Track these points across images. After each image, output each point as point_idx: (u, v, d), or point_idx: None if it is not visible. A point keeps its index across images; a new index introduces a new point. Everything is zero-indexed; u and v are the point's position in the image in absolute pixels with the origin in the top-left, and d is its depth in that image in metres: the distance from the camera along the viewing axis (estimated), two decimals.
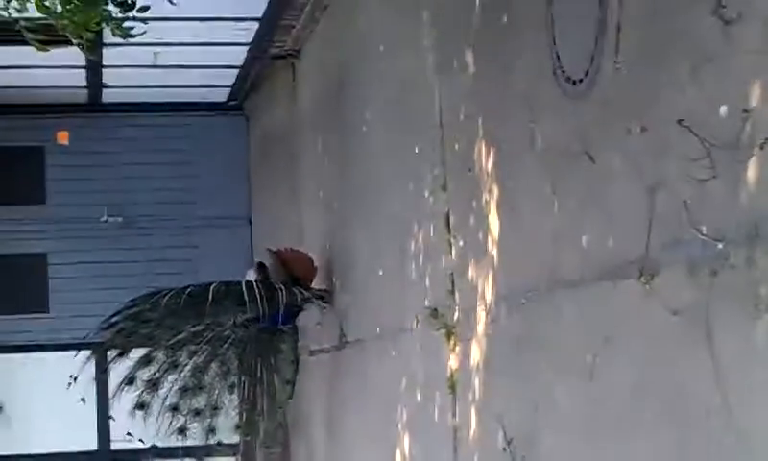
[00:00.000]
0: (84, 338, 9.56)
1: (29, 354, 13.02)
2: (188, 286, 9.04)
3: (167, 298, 8.93)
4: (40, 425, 12.80)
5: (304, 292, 9.32)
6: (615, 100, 4.34)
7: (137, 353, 9.42)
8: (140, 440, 9.93)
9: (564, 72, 4.78)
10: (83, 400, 9.67)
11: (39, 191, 13.11)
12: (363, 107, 8.47)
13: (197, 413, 9.63)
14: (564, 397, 4.89)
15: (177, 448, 9.90)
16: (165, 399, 9.47)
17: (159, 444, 10.02)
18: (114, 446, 12.64)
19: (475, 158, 5.91)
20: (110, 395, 9.58)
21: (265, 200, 12.78)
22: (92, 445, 12.94)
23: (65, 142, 12.24)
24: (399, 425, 7.40)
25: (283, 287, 9.09)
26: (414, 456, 7.17)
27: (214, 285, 8.92)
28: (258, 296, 8.91)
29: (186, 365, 9.47)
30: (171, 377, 9.47)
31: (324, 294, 9.49)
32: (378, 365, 8.09)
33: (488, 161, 5.74)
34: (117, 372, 9.43)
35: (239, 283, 9.12)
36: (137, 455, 11.38)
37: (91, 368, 9.90)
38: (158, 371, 9.44)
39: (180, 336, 9.28)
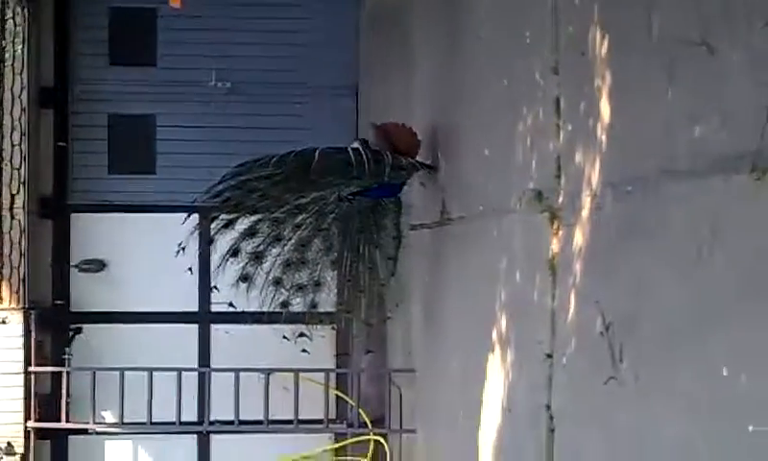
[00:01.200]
0: (192, 202, 9.69)
1: (134, 214, 13.24)
2: (293, 150, 9.05)
3: (273, 161, 8.92)
4: (143, 285, 13.08)
5: (410, 159, 9.28)
6: None
7: (242, 225, 9.53)
8: (230, 304, 10.07)
9: None
10: (189, 269, 9.81)
11: (151, 53, 13.24)
12: None
13: (299, 288, 9.74)
14: (666, 287, 4.89)
15: (274, 313, 10.03)
16: (269, 272, 9.59)
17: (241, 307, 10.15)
18: (214, 308, 12.88)
19: (589, 43, 5.85)
20: (215, 265, 9.72)
21: (373, 72, 12.78)
22: (193, 306, 13.19)
23: (178, 6, 12.27)
24: (497, 305, 7.45)
25: (389, 153, 9.07)
26: (510, 337, 7.23)
27: (321, 148, 8.92)
28: (365, 159, 8.89)
29: (290, 239, 9.55)
30: (274, 251, 9.57)
31: (430, 166, 9.46)
32: (479, 243, 8.13)
33: (602, 47, 5.68)
34: (222, 241, 9.56)
35: (345, 148, 9.11)
36: (235, 317, 11.58)
37: (196, 234, 10.05)
38: (262, 243, 9.54)
39: (285, 208, 9.34)
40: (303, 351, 10.39)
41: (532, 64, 6.83)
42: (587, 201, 5.87)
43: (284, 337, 10.49)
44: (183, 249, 9.40)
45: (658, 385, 4.94)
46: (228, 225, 9.52)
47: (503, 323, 7.35)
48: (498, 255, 7.46)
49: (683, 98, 4.76)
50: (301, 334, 10.32)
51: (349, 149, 9.06)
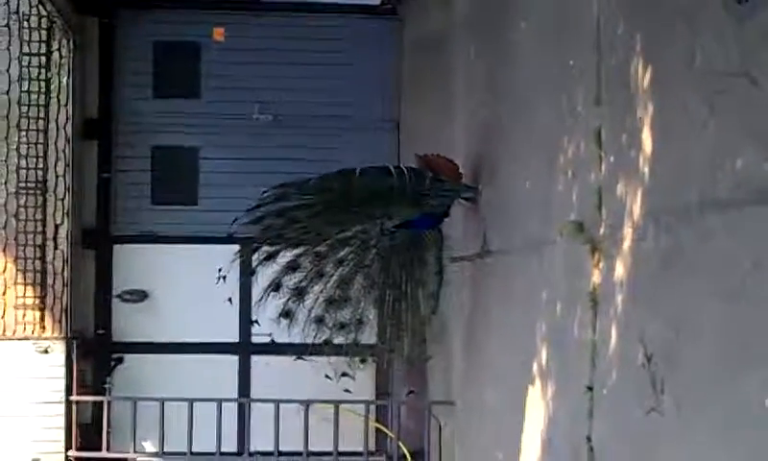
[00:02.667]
0: (232, 231, 9.70)
1: (176, 245, 13.30)
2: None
3: (313, 182, 8.93)
4: (184, 315, 13.12)
5: (453, 183, 9.26)
6: None
7: (284, 258, 9.52)
8: (272, 340, 10.11)
9: None
10: (229, 300, 9.84)
11: (195, 86, 13.33)
12: (518, 16, 8.42)
13: (342, 326, 9.69)
14: (709, 319, 4.88)
15: (315, 346, 10.03)
16: (311, 309, 9.56)
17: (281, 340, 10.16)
18: (255, 340, 12.90)
19: (631, 74, 5.86)
20: (256, 298, 9.73)
21: (415, 106, 12.81)
22: (234, 337, 13.22)
23: (221, 39, 12.38)
24: (538, 338, 7.44)
25: (430, 173, 9.06)
26: (551, 369, 7.21)
27: (361, 167, 8.92)
28: (405, 172, 8.87)
29: (332, 276, 9.50)
30: (317, 288, 9.52)
31: (472, 189, 9.42)
32: (520, 276, 8.13)
33: (644, 78, 5.69)
34: (263, 274, 9.56)
35: (385, 166, 9.09)
36: (276, 348, 11.59)
37: (237, 265, 10.06)
38: (305, 279, 9.50)
39: (327, 242, 9.31)
40: (346, 390, 10.41)
41: (574, 96, 6.84)
42: (628, 232, 5.86)
43: (326, 376, 10.50)
44: (224, 277, 9.42)
45: (699, 417, 4.92)
46: (270, 257, 9.52)
47: (543, 355, 7.34)
48: (539, 287, 7.45)
49: (724, 129, 4.76)
50: (344, 374, 10.31)
51: (390, 166, 9.08)
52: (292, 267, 9.51)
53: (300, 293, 9.52)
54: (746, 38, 4.54)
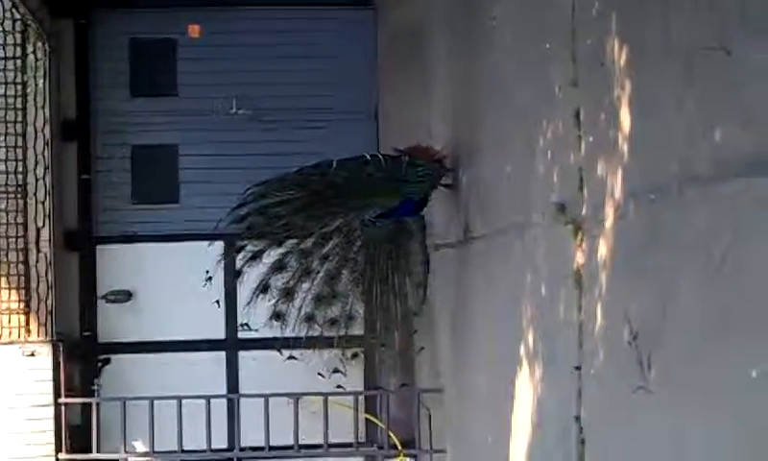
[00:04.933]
0: (215, 229, 9.71)
1: (159, 244, 13.28)
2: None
3: (291, 176, 8.92)
4: (169, 313, 13.11)
5: (429, 166, 9.27)
6: None
7: (269, 258, 9.52)
8: (245, 325, 10.12)
9: None
10: (217, 302, 9.87)
11: (171, 83, 13.31)
12: (493, 1, 8.43)
13: (332, 322, 9.71)
14: (692, 293, 4.89)
15: (302, 339, 10.06)
16: (300, 308, 9.56)
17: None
18: (241, 335, 12.89)
19: (607, 54, 5.87)
20: (242, 296, 9.74)
21: (392, 95, 12.81)
22: (220, 333, 13.21)
23: (197, 36, 12.36)
24: (524, 320, 7.45)
25: (406, 156, 9.07)
26: (538, 351, 7.22)
27: (336, 160, 8.92)
28: (381, 158, 8.88)
29: (318, 272, 9.51)
30: (305, 286, 9.53)
31: (447, 169, 9.43)
32: (503, 260, 8.14)
33: (620, 57, 5.70)
34: (249, 274, 9.56)
35: (362, 154, 9.10)
36: (263, 344, 11.60)
37: (222, 262, 10.05)
38: (292, 278, 9.50)
39: (310, 239, 9.31)
40: (339, 386, 10.42)
41: (551, 77, 6.85)
42: (610, 211, 5.87)
43: (319, 374, 10.50)
44: (210, 278, 9.44)
45: (687, 391, 4.94)
46: (256, 257, 9.52)
47: (530, 338, 7.35)
48: (523, 271, 7.46)
49: (702, 104, 4.77)
50: (335, 370, 10.33)
51: (366, 154, 9.09)
52: (278, 267, 9.52)
53: (288, 293, 9.53)
54: (720, 11, 4.55)
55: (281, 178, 9.26)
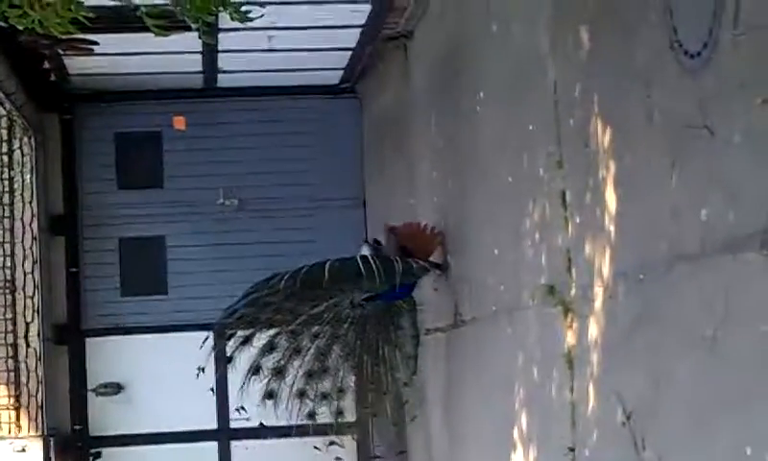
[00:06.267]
0: (207, 322, 9.72)
1: (148, 336, 13.25)
2: (303, 266, 9.12)
3: (284, 280, 9.01)
4: (160, 405, 13.04)
5: (419, 262, 9.35)
6: (735, 72, 4.31)
7: (259, 341, 9.56)
8: (261, 424, 10.13)
9: (681, 45, 4.76)
10: (211, 389, 9.86)
11: (157, 176, 13.35)
12: (476, 86, 8.49)
13: (324, 396, 9.75)
14: (685, 372, 4.88)
15: (291, 427, 10.05)
16: (292, 385, 9.60)
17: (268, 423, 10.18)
18: (234, 424, 12.82)
19: (591, 134, 5.90)
20: (234, 383, 9.75)
21: (379, 181, 12.85)
22: (212, 424, 13.14)
23: (182, 127, 12.40)
24: (516, 403, 7.42)
25: (398, 258, 9.14)
26: (532, 433, 7.19)
27: (329, 262, 8.99)
28: (375, 268, 8.96)
29: (309, 349, 9.57)
30: (296, 363, 9.59)
31: (439, 266, 9.51)
32: (494, 343, 8.12)
33: (604, 137, 5.73)
34: (240, 359, 9.58)
35: (354, 258, 9.18)
36: (256, 433, 11.53)
37: (213, 352, 10.05)
38: (282, 358, 9.56)
39: (300, 320, 9.38)
40: (338, 458, 10.40)
41: (536, 159, 6.88)
42: (599, 291, 5.88)
43: (315, 448, 10.47)
44: (203, 369, 9.46)
45: None
46: (246, 342, 9.55)
47: (523, 419, 7.32)
48: (514, 353, 7.45)
49: (687, 182, 4.79)
50: (332, 443, 10.34)
51: (359, 258, 9.14)
52: (269, 348, 9.56)
53: (279, 372, 9.57)
54: (701, 90, 4.59)
55: (272, 279, 9.30)
